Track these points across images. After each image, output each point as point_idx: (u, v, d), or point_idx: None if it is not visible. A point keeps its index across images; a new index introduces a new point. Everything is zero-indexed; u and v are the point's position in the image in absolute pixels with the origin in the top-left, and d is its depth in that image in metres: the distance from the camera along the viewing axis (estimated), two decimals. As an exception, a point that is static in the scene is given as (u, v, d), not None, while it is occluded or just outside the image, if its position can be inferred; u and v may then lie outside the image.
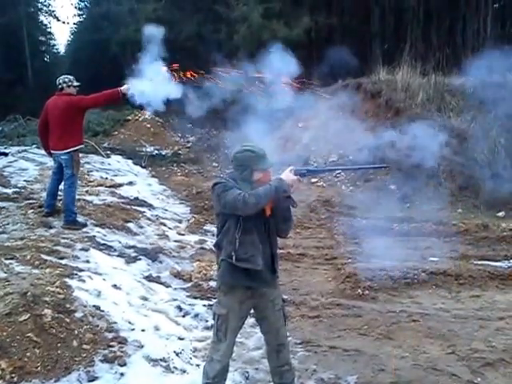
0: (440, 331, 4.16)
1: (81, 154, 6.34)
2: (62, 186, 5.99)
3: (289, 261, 5.97)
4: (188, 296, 4.77)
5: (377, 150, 10.25)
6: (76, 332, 3.46)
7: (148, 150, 13.54)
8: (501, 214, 8.09)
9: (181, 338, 3.89)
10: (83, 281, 4.27)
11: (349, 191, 9.53)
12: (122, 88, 5.98)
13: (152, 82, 6.12)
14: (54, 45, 36.24)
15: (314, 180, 9.66)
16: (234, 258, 2.65)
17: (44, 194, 6.39)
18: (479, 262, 5.91)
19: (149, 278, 4.97)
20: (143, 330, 3.82)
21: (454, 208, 8.44)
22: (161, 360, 3.48)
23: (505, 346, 3.89)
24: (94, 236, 5.65)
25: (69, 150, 5.74)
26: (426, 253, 6.30)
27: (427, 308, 4.67)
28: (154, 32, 6.32)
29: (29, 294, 3.56)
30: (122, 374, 3.27)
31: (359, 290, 5.02)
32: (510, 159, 8.71)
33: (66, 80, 5.84)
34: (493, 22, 14.58)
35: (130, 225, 6.52)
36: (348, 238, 6.98)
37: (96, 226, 6.03)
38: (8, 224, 5.61)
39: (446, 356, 3.76)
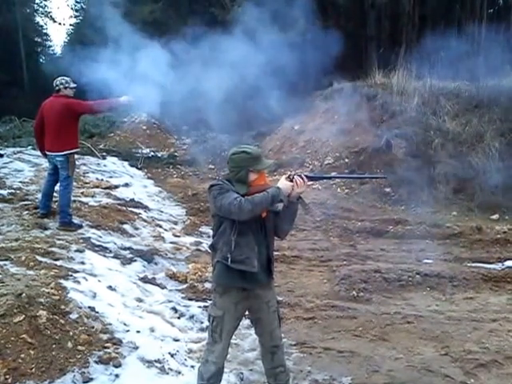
0: (434, 333, 4.20)
1: (76, 156, 6.33)
2: (57, 188, 5.98)
3: (284, 263, 5.99)
4: (183, 297, 4.77)
5: (372, 153, 10.33)
6: (71, 333, 3.46)
7: (144, 151, 13.52)
8: (495, 216, 8.14)
9: (176, 340, 3.89)
10: (78, 282, 4.27)
11: (344, 194, 9.55)
12: (121, 99, 5.99)
13: None
14: (50, 46, 36.23)
15: (309, 182, 9.68)
16: (229, 259, 2.65)
17: (39, 196, 6.38)
18: (473, 265, 5.96)
19: (144, 280, 4.96)
20: (138, 332, 3.82)
21: (448, 211, 8.49)
22: (156, 361, 3.48)
23: (498, 347, 3.93)
24: (90, 237, 5.64)
25: (64, 153, 5.74)
26: (420, 255, 6.34)
27: (421, 310, 4.70)
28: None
29: (23, 295, 3.55)
30: (116, 376, 3.27)
31: (354, 292, 5.05)
32: (504, 162, 8.77)
33: (63, 82, 5.83)
34: (487, 26, 14.67)
35: (126, 226, 6.51)
36: (343, 240, 7.02)
37: (91, 227, 6.03)
38: (3, 225, 5.59)
39: (440, 357, 3.79)
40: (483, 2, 15.91)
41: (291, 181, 2.78)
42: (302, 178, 2.81)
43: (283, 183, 2.75)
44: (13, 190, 7.22)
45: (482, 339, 4.07)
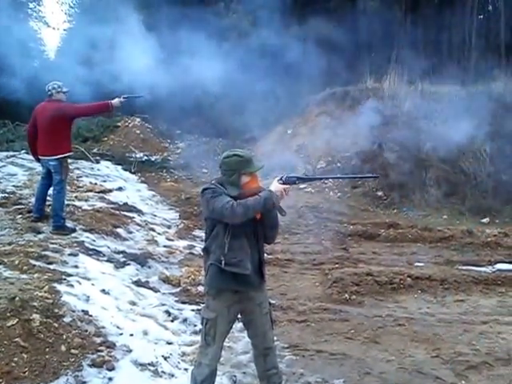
0: (425, 335, 4.24)
1: (70, 160, 6.33)
2: (50, 192, 5.98)
3: (277, 266, 6.02)
4: (176, 301, 4.78)
5: (364, 157, 10.40)
6: (64, 337, 3.46)
7: (137, 155, 13.48)
8: (485, 220, 8.24)
9: (169, 343, 3.91)
10: (72, 286, 4.27)
11: (336, 197, 9.61)
12: (113, 101, 6.00)
13: None
14: (44, 51, 36.05)
15: (302, 186, 9.73)
16: (222, 262, 2.68)
17: (33, 200, 6.36)
18: (464, 267, 6.03)
19: (137, 283, 4.97)
20: (131, 335, 3.83)
21: (439, 214, 8.58)
22: (149, 364, 3.50)
23: (488, 349, 3.98)
24: (83, 241, 5.62)
25: (57, 157, 5.74)
26: (411, 258, 6.40)
27: (413, 312, 4.75)
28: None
29: (17, 298, 3.56)
30: (110, 379, 3.27)
31: (346, 295, 5.09)
32: (495, 167, 8.88)
33: (55, 86, 5.83)
34: (477, 32, 14.85)
35: (119, 230, 6.51)
36: (335, 243, 7.06)
37: (85, 231, 6.01)
38: (-4, 229, 5.58)
39: (431, 359, 3.84)
40: (473, 8, 16.09)
41: (284, 183, 2.78)
42: (294, 182, 2.82)
43: (275, 186, 2.77)
44: (6, 194, 7.19)
45: (472, 341, 4.12)
